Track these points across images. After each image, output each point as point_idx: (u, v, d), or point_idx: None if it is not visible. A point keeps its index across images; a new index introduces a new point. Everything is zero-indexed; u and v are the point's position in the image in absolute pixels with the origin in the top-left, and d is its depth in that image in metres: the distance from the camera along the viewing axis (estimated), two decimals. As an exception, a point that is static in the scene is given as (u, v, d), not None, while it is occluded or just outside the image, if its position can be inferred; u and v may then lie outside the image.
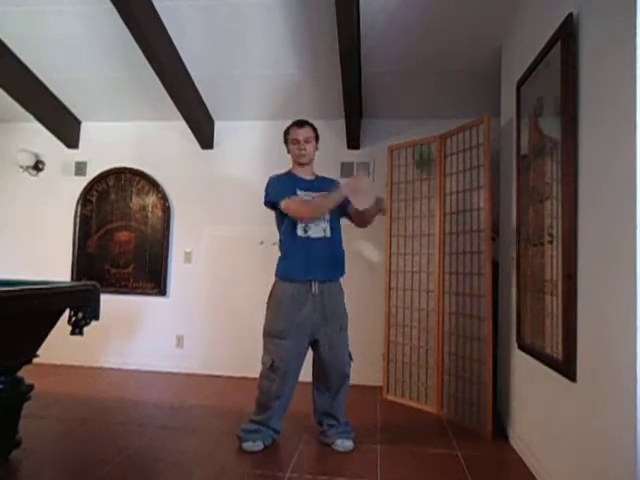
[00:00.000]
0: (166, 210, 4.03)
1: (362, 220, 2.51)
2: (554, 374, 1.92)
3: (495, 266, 2.90)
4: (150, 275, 4.01)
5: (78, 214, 4.11)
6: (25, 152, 4.11)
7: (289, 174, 2.50)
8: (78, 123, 4.23)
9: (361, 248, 2.51)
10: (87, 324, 2.30)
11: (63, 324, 2.27)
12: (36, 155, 4.18)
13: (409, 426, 2.80)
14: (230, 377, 3.77)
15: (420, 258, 3.22)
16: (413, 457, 2.34)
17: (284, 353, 2.32)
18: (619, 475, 1.43)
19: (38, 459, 2.22)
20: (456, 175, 3.02)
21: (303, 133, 2.42)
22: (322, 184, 2.48)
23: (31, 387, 2.19)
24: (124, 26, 2.82)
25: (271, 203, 2.40)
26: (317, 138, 2.49)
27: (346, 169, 3.85)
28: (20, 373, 2.18)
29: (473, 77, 3.34)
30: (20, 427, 2.19)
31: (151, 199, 4.06)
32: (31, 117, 3.85)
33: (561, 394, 1.89)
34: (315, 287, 2.35)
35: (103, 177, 4.12)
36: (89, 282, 2.42)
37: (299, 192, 2.39)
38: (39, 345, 2.24)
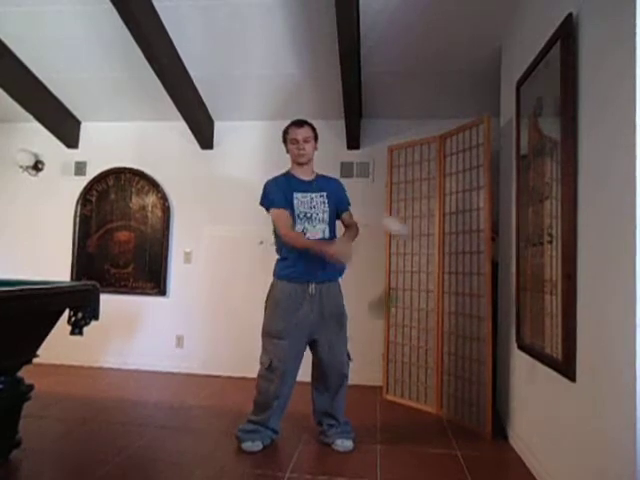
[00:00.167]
0: (166, 210, 4.03)
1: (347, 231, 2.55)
2: (554, 374, 1.92)
3: (495, 266, 2.91)
4: (150, 275, 4.01)
5: (78, 214, 4.11)
6: (25, 152, 4.11)
7: (287, 175, 2.49)
8: (78, 123, 4.22)
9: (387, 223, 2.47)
10: (87, 324, 2.30)
11: (63, 324, 2.26)
12: (36, 155, 4.18)
13: (409, 426, 2.80)
14: (230, 377, 3.78)
15: (420, 258, 3.22)
16: (413, 457, 2.34)
17: (282, 353, 2.32)
18: (619, 475, 1.43)
19: (38, 459, 2.22)
20: (456, 175, 3.02)
21: (302, 133, 2.41)
22: (321, 184, 2.48)
23: (31, 387, 2.19)
24: (124, 26, 2.82)
25: (264, 207, 2.45)
26: (316, 138, 2.48)
27: (346, 169, 3.85)
28: (20, 373, 2.18)
29: (473, 77, 3.34)
30: (20, 427, 2.19)
31: (151, 199, 4.06)
32: (31, 117, 3.85)
33: (561, 394, 1.89)
34: (313, 287, 2.35)
35: (103, 177, 4.12)
36: (89, 282, 2.42)
37: (295, 194, 2.40)
38: (39, 345, 2.24)
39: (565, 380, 1.81)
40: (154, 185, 4.05)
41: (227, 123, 4.03)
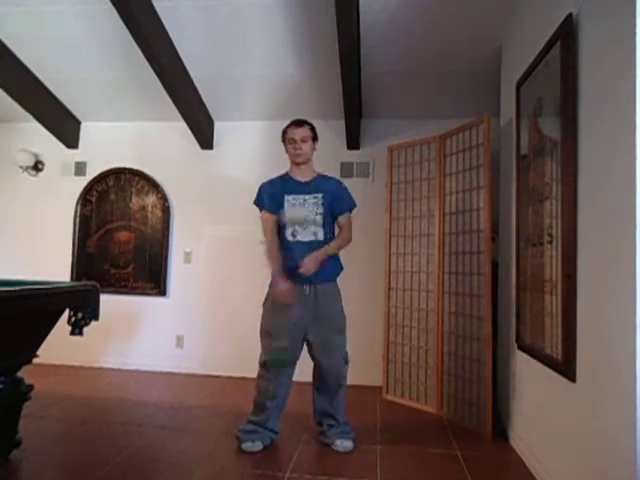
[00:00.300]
0: (166, 210, 4.03)
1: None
2: (554, 374, 1.92)
3: (495, 266, 2.91)
4: (150, 275, 4.01)
5: (78, 214, 4.11)
6: (25, 152, 4.11)
7: (284, 177, 2.50)
8: (78, 123, 4.22)
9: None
10: (87, 324, 2.30)
11: (63, 324, 2.26)
12: (36, 155, 4.18)
13: (409, 426, 2.79)
14: (230, 377, 3.78)
15: (420, 258, 3.22)
16: (413, 457, 2.34)
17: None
18: (619, 475, 1.43)
19: (38, 459, 2.22)
20: (456, 175, 3.02)
21: (299, 132, 2.41)
22: (319, 185, 2.46)
23: (31, 387, 2.19)
24: (124, 26, 2.82)
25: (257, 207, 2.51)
26: (315, 138, 2.48)
27: (346, 169, 3.85)
28: (20, 373, 2.18)
29: (473, 77, 3.34)
30: (20, 427, 2.19)
31: (151, 199, 4.06)
32: (31, 117, 3.85)
33: (561, 394, 1.89)
34: (307, 288, 2.36)
35: (103, 177, 4.12)
36: (89, 282, 2.42)
37: (287, 197, 2.41)
38: (39, 345, 2.24)
39: (565, 380, 1.81)
40: (154, 185, 4.05)
41: (227, 123, 4.03)
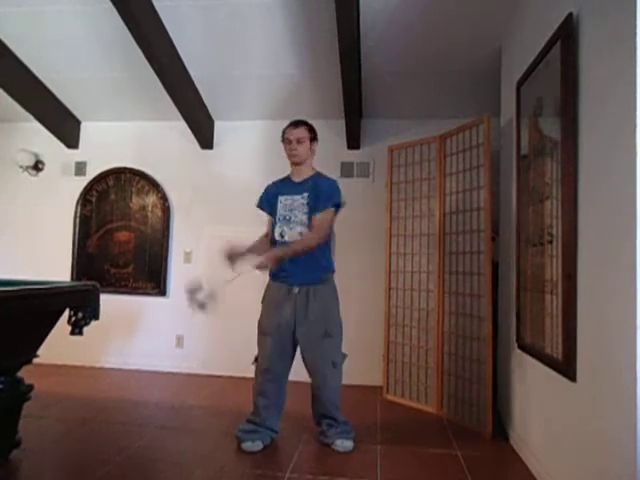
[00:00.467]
0: (166, 210, 4.03)
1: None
2: (554, 374, 1.92)
3: (495, 266, 2.90)
4: (150, 275, 4.01)
5: (78, 214, 4.11)
6: (25, 152, 4.11)
7: (284, 178, 2.56)
8: (78, 123, 4.22)
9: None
10: (87, 324, 2.30)
11: (63, 324, 2.26)
12: (36, 155, 4.18)
13: (409, 426, 2.79)
14: (230, 377, 3.77)
15: (420, 258, 3.22)
16: (413, 457, 2.34)
17: (265, 349, 2.39)
18: (619, 475, 1.43)
19: (38, 459, 2.22)
20: (456, 175, 3.02)
21: (296, 133, 2.42)
22: (310, 185, 2.43)
23: (31, 387, 2.19)
24: (124, 26, 2.82)
25: None
26: (313, 139, 2.47)
27: (346, 169, 3.85)
28: (20, 373, 2.17)
29: (473, 77, 3.34)
30: (20, 427, 2.18)
31: (151, 199, 4.06)
32: (31, 117, 3.85)
33: (561, 394, 1.89)
34: (297, 289, 2.38)
35: (103, 177, 4.12)
36: (89, 282, 2.43)
37: (280, 198, 2.47)
38: (39, 345, 2.24)
39: (565, 380, 1.81)
40: (154, 185, 4.05)
41: (227, 123, 4.03)
